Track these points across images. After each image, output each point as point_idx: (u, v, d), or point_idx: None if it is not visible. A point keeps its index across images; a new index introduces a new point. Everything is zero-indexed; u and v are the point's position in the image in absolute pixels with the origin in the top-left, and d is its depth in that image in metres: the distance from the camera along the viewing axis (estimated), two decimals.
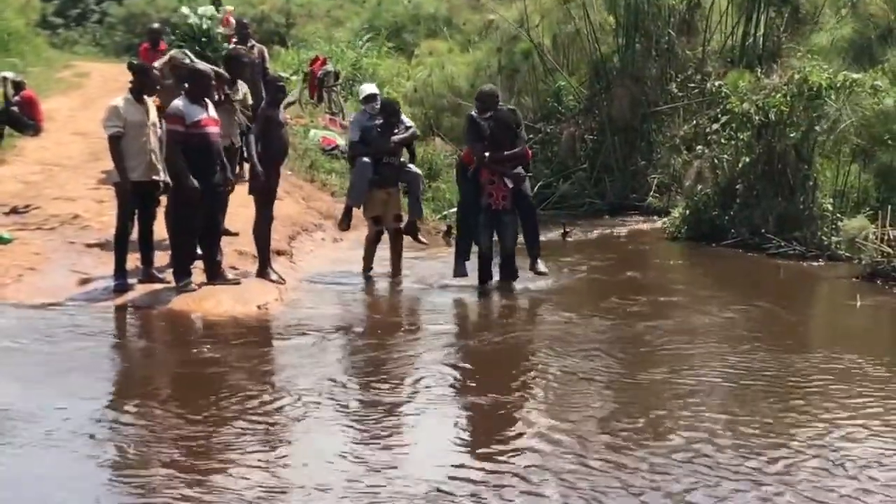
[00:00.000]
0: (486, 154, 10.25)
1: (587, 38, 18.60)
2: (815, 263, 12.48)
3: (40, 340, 8.07)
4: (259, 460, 5.84)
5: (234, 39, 16.08)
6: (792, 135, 13.24)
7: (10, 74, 17.68)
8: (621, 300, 10.30)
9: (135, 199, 9.39)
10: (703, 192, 14.33)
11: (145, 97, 9.58)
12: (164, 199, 9.91)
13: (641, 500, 5.37)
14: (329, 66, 22.32)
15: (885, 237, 11.52)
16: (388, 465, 5.82)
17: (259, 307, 9.44)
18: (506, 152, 10.27)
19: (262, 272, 10.23)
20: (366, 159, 10.87)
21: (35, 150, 15.92)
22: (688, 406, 6.94)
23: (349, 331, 9.00)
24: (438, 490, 5.43)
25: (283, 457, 5.99)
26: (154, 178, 9.45)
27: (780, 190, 13.45)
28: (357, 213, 11.37)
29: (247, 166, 10.72)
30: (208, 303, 9.29)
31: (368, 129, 10.93)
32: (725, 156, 14.23)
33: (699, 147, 14.98)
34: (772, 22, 17.63)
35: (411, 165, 11.30)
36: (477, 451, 6.10)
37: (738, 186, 13.87)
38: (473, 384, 7.56)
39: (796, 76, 13.26)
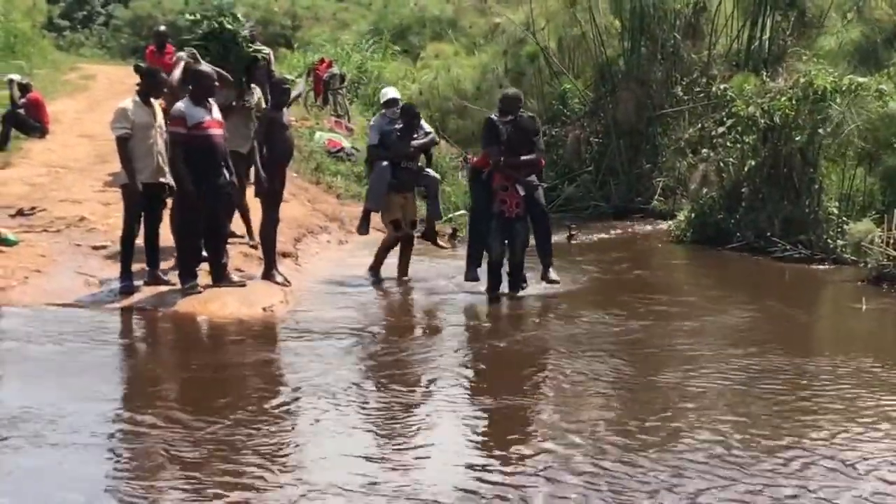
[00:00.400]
0: (502, 158, 10.11)
1: (593, 41, 18.64)
2: (821, 267, 12.49)
3: (46, 342, 8.06)
4: (274, 463, 5.82)
5: None
6: (797, 138, 13.25)
7: (16, 77, 17.70)
8: (629, 303, 10.33)
9: (141, 201, 9.40)
10: (708, 195, 14.34)
11: (152, 100, 9.59)
12: (170, 202, 9.93)
13: (658, 500, 5.38)
14: (335, 69, 22.35)
15: (891, 241, 11.51)
16: (410, 467, 5.82)
17: (265, 309, 9.44)
18: (522, 158, 10.18)
19: (268, 274, 10.23)
20: (384, 163, 10.82)
21: (41, 152, 15.93)
22: (700, 407, 6.96)
23: (356, 333, 8.98)
24: (462, 490, 5.45)
25: (299, 458, 5.99)
26: (161, 180, 9.46)
27: (785, 193, 13.47)
28: (373, 216, 11.31)
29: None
30: (214, 305, 9.29)
31: (388, 134, 10.89)
32: (731, 159, 14.25)
33: (704, 150, 15.01)
34: (777, 25, 17.65)
35: (429, 170, 11.25)
36: (496, 453, 6.09)
37: (743, 190, 13.88)
38: (488, 386, 7.57)
39: (802, 80, 13.27)
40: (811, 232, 13.01)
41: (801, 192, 13.41)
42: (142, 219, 9.51)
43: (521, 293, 10.47)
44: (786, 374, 7.80)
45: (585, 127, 19.04)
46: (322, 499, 5.32)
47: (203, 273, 9.71)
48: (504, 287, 10.47)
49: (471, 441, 6.44)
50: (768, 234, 13.15)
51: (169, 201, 9.87)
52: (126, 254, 9.47)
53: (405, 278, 11.15)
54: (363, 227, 11.37)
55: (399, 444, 6.24)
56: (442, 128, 19.88)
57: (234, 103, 10.56)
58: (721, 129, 14.61)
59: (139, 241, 9.55)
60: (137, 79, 9.78)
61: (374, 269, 11.18)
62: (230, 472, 5.64)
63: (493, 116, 10.37)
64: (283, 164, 10.32)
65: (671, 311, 10.13)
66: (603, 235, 15.32)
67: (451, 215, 14.64)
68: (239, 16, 11.88)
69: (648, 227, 16.04)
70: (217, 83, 9.71)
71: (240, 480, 5.54)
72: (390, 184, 10.81)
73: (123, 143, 9.26)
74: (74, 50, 40.30)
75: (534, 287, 10.60)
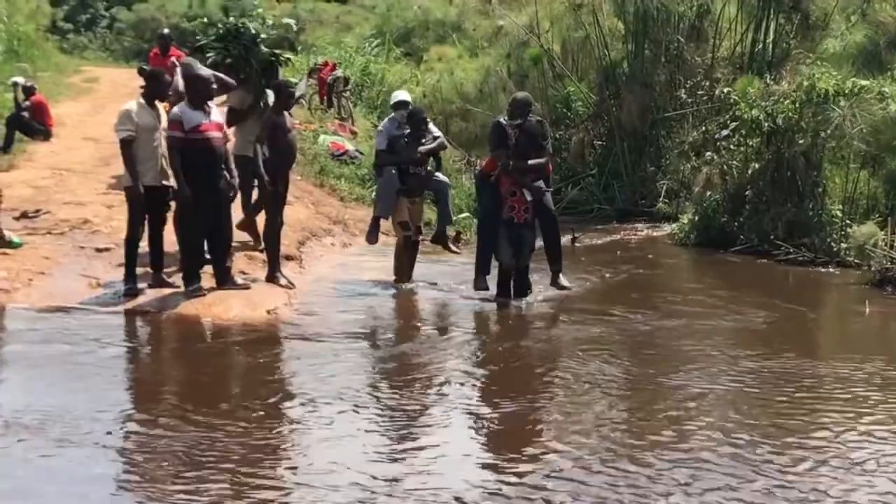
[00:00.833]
0: (511, 161, 10.02)
1: (596, 44, 18.64)
2: (824, 270, 12.48)
3: (50, 344, 8.08)
4: (280, 467, 5.84)
5: None
6: (801, 141, 13.25)
7: (20, 80, 17.74)
8: (636, 305, 10.35)
9: (145, 203, 9.41)
10: (711, 198, 14.34)
11: (157, 102, 9.61)
12: (174, 205, 9.94)
13: (673, 500, 5.41)
14: (338, 72, 22.36)
15: (894, 244, 11.51)
16: (427, 467, 5.83)
17: (269, 312, 9.45)
18: (530, 161, 10.08)
19: (272, 277, 10.24)
20: (393, 170, 10.72)
21: (45, 154, 15.95)
22: (710, 409, 6.99)
23: (361, 336, 9.00)
24: (484, 490, 5.47)
25: (305, 464, 5.98)
26: (164, 183, 9.47)
27: (789, 196, 13.47)
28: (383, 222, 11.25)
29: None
30: (218, 308, 9.30)
31: (396, 139, 10.80)
32: (734, 162, 14.25)
33: (708, 153, 15.00)
34: (781, 28, 17.65)
35: (439, 174, 11.15)
36: (512, 454, 6.09)
37: (747, 193, 13.88)
38: (498, 387, 7.55)
39: (805, 83, 13.27)
40: (815, 235, 13.01)
41: (804, 196, 13.41)
42: (146, 221, 9.53)
43: (528, 298, 10.41)
44: (793, 375, 7.82)
45: (589, 130, 19.09)
46: (345, 499, 5.33)
47: (207, 276, 9.73)
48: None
49: (485, 442, 6.47)
50: (772, 237, 13.16)
51: (173, 204, 9.88)
52: (130, 256, 9.48)
53: (407, 281, 11.06)
54: (372, 236, 11.21)
55: (414, 445, 6.25)
56: (445, 130, 19.82)
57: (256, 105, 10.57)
58: (724, 132, 14.60)
59: (143, 243, 9.57)
60: (141, 81, 9.81)
61: (398, 279, 11.02)
62: (240, 475, 5.64)
63: (500, 120, 10.31)
64: (286, 167, 10.32)
65: (677, 314, 10.15)
66: (607, 238, 15.32)
67: (454, 218, 14.63)
68: (265, 17, 11.91)
69: (652, 230, 16.04)
70: (215, 87, 9.72)
71: (251, 482, 5.55)
72: (399, 189, 10.75)
73: (127, 146, 9.27)
74: (78, 53, 40.33)
75: (543, 292, 10.54)
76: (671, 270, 13.45)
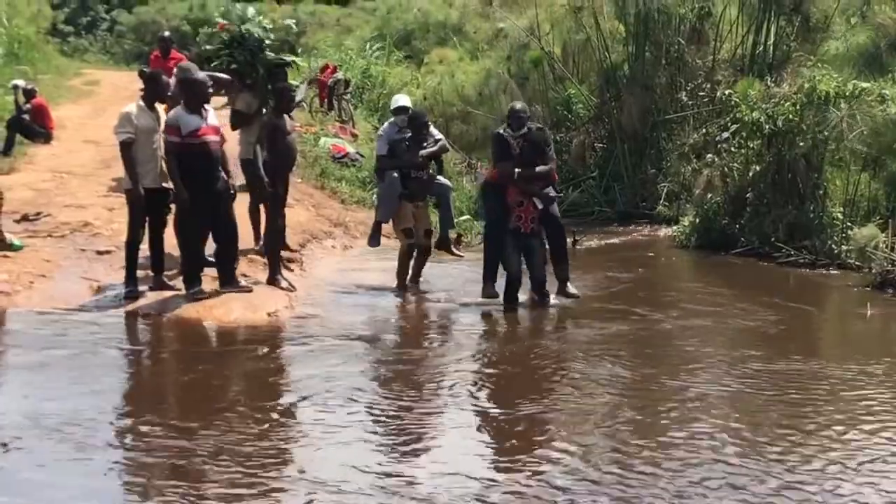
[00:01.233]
0: (517, 171, 9.95)
1: (597, 46, 18.63)
2: (825, 272, 12.47)
3: (51, 347, 8.09)
4: (293, 469, 5.84)
5: None
6: (801, 143, 13.24)
7: (21, 82, 17.74)
8: (639, 308, 10.35)
9: (145, 206, 9.40)
10: (712, 200, 14.33)
11: (157, 104, 9.61)
12: (174, 207, 9.95)
13: (683, 500, 5.44)
14: (339, 74, 22.36)
15: (895, 246, 11.50)
16: (425, 472, 5.82)
17: (269, 314, 9.45)
18: (536, 169, 10.00)
19: (272, 279, 10.24)
20: (394, 174, 10.67)
21: (46, 157, 15.96)
22: (716, 410, 7.01)
23: (362, 338, 8.99)
24: (477, 500, 5.46)
25: (314, 464, 5.96)
26: (164, 185, 9.48)
27: (790, 198, 13.46)
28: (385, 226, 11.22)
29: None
30: (219, 310, 9.30)
31: (397, 143, 10.74)
32: (735, 164, 14.23)
33: (709, 155, 14.98)
34: (782, 30, 17.64)
35: (440, 177, 11.08)
36: (521, 457, 6.10)
37: (747, 195, 13.87)
38: (500, 391, 7.56)
39: (806, 85, 13.26)
40: (815, 237, 13.00)
41: (805, 198, 13.40)
42: (146, 224, 9.53)
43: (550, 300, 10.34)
44: (798, 376, 7.84)
45: (590, 132, 19.07)
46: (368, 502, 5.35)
47: (208, 278, 9.73)
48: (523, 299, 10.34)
49: (499, 442, 6.49)
50: (773, 239, 13.14)
51: (173, 206, 9.88)
52: (130, 259, 9.48)
53: (415, 284, 11.06)
54: (374, 240, 11.19)
55: (412, 450, 6.25)
56: (446, 133, 19.80)
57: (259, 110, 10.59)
58: (725, 135, 14.59)
59: (144, 246, 9.58)
60: (142, 84, 9.81)
61: (400, 284, 10.97)
62: (240, 477, 5.64)
63: (501, 131, 10.25)
64: (286, 169, 10.33)
65: (680, 316, 10.17)
66: (608, 241, 15.31)
67: (455, 220, 14.62)
68: (265, 24, 11.98)
69: (653, 233, 16.03)
70: (211, 89, 9.73)
71: (264, 484, 5.55)
72: (401, 194, 10.71)
73: (127, 148, 9.27)
74: (79, 55, 40.28)
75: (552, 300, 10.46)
76: (672, 273, 13.44)
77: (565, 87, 19.53)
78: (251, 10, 12.41)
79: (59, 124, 17.99)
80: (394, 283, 11.00)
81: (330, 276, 11.51)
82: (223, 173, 9.55)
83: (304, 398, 7.13)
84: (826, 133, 13.04)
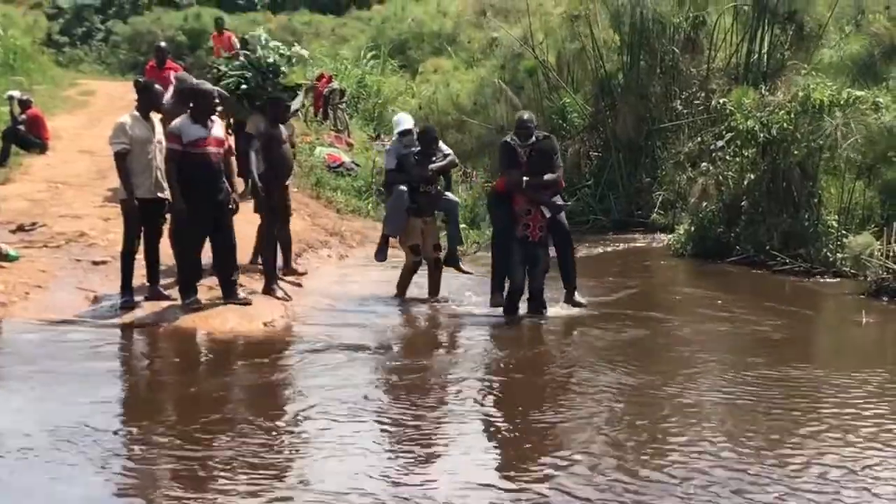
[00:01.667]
0: (525, 179, 9.92)
1: (592, 55, 18.66)
2: (821, 280, 12.49)
3: (46, 357, 8.08)
4: (298, 480, 5.83)
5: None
6: (796, 152, 13.27)
7: (16, 93, 17.75)
8: (639, 316, 10.38)
9: (140, 216, 9.40)
10: (707, 208, 14.35)
11: (152, 114, 9.61)
12: (169, 217, 9.95)
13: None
14: (334, 84, 22.38)
15: (891, 254, 11.52)
16: (427, 482, 5.81)
17: (265, 324, 9.45)
18: (545, 177, 9.97)
19: (268, 289, 10.24)
20: (402, 188, 10.62)
21: (41, 168, 15.97)
22: (717, 417, 7.05)
23: (358, 348, 8.95)
24: None
25: (315, 474, 5.95)
26: (159, 195, 9.48)
27: (784, 207, 13.48)
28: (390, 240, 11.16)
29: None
30: (215, 320, 9.30)
31: (405, 157, 10.67)
32: (730, 173, 14.26)
33: (704, 164, 15.02)
34: (776, 39, 17.67)
35: (449, 193, 11.03)
36: (521, 467, 6.10)
37: (742, 203, 13.89)
38: (499, 400, 7.54)
39: (800, 93, 13.29)
40: (811, 245, 13.02)
41: (800, 206, 13.42)
42: (142, 234, 9.53)
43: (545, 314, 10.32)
44: (798, 383, 7.88)
45: (585, 141, 19.10)
46: None
47: (203, 288, 9.73)
48: (522, 310, 10.30)
49: (504, 450, 6.48)
50: (768, 247, 13.16)
51: (169, 216, 9.89)
52: (126, 269, 9.48)
53: (434, 298, 10.99)
54: (381, 254, 11.10)
55: (422, 460, 6.24)
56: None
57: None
58: (720, 143, 14.62)
59: (139, 256, 9.58)
60: (137, 94, 9.82)
61: (398, 295, 10.96)
62: (248, 486, 5.64)
63: (508, 139, 10.21)
64: (281, 178, 10.33)
65: (678, 324, 10.23)
66: (603, 249, 15.32)
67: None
68: (282, 50, 12.18)
69: (648, 241, 16.05)
70: (218, 101, 9.73)
71: (269, 495, 5.54)
72: (409, 208, 10.67)
73: (122, 159, 9.27)
74: (74, 66, 40.27)
75: (556, 308, 10.45)
76: (668, 281, 13.44)
77: (560, 96, 19.55)
78: (263, 35, 12.61)
79: (55, 135, 18.00)
80: (390, 293, 11.01)
81: (326, 285, 11.50)
82: (227, 185, 9.54)
83: (308, 408, 7.11)
84: (821, 142, 13.06)
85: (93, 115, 22.21)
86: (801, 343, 9.92)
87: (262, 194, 10.02)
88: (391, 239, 11.13)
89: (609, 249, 15.38)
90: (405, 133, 10.87)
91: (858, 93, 13.33)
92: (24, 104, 17.18)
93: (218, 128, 9.58)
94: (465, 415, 7.09)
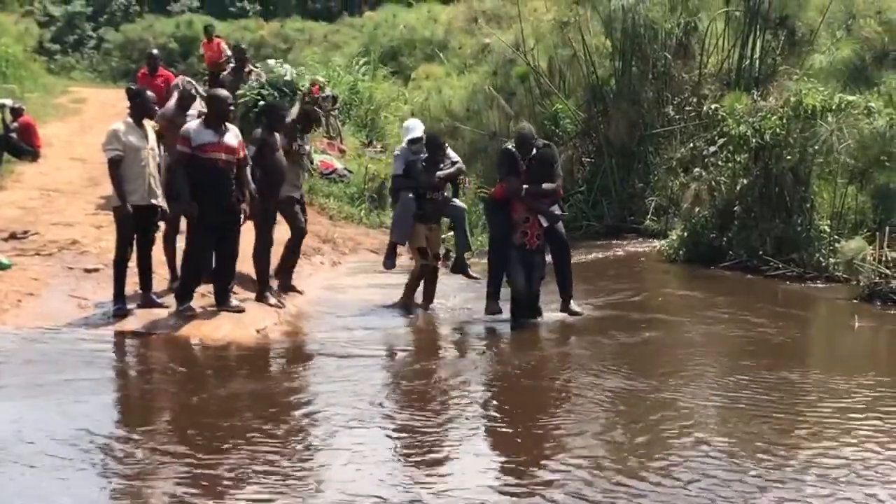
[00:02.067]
0: (524, 187, 9.95)
1: (584, 61, 18.68)
2: (813, 285, 12.50)
3: (38, 366, 8.06)
4: (287, 487, 5.80)
5: (231, 65, 16.24)
6: (788, 157, 13.29)
7: (7, 101, 17.65)
8: (633, 322, 10.39)
9: (133, 223, 9.39)
10: (700, 214, 14.36)
11: (145, 121, 9.61)
12: (163, 225, 9.95)
13: None
14: (327, 91, 22.35)
15: (883, 258, 11.54)
16: (433, 486, 5.81)
17: (258, 331, 9.44)
18: (543, 186, 10.00)
19: (261, 296, 10.23)
20: (410, 195, 10.62)
21: (33, 175, 15.94)
22: (714, 422, 7.08)
23: (351, 354, 8.96)
24: None
25: (320, 480, 5.96)
26: (152, 202, 9.47)
27: (777, 212, 13.49)
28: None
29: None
30: (207, 327, 9.29)
31: (413, 164, 10.65)
32: (722, 178, 14.28)
33: (696, 169, 15.02)
34: (768, 44, 17.71)
35: (456, 200, 11.00)
36: (529, 472, 6.09)
37: (735, 208, 13.89)
38: (500, 405, 7.57)
39: (792, 99, 13.32)
40: (803, 250, 13.03)
41: (792, 211, 13.43)
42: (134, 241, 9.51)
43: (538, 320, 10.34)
44: (793, 388, 7.91)
45: (577, 147, 19.11)
46: None
47: (197, 295, 9.71)
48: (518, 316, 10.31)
49: (509, 455, 6.46)
50: (760, 252, 13.17)
51: (161, 224, 9.89)
52: (119, 277, 9.46)
53: (431, 304, 10.98)
54: (389, 261, 11.02)
55: (426, 466, 6.23)
56: None
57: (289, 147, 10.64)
58: (712, 149, 14.63)
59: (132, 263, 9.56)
60: (129, 101, 9.82)
61: (406, 304, 10.90)
62: (255, 493, 5.63)
63: (509, 147, 10.21)
64: (277, 185, 10.33)
65: (673, 330, 10.26)
66: (596, 255, 15.31)
67: (444, 236, 14.64)
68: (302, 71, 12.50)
69: (641, 247, 16.04)
70: (231, 107, 9.73)
71: (270, 501, 5.54)
72: (416, 215, 10.65)
73: (115, 166, 9.27)
74: (66, 73, 40.28)
75: (553, 316, 10.45)
76: (661, 287, 13.43)
77: (552, 102, 19.56)
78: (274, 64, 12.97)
79: (47, 142, 17.93)
80: (386, 300, 11.01)
81: (319, 292, 11.50)
82: (238, 194, 9.50)
83: (308, 415, 7.11)
84: (816, 147, 13.07)
85: (84, 123, 22.21)
86: (795, 347, 9.92)
87: (254, 195, 9.96)
88: (399, 246, 11.09)
89: (602, 255, 15.37)
90: (414, 142, 10.82)
91: (850, 98, 13.35)
92: (16, 112, 17.11)
93: (232, 136, 9.51)
94: (470, 421, 7.10)
